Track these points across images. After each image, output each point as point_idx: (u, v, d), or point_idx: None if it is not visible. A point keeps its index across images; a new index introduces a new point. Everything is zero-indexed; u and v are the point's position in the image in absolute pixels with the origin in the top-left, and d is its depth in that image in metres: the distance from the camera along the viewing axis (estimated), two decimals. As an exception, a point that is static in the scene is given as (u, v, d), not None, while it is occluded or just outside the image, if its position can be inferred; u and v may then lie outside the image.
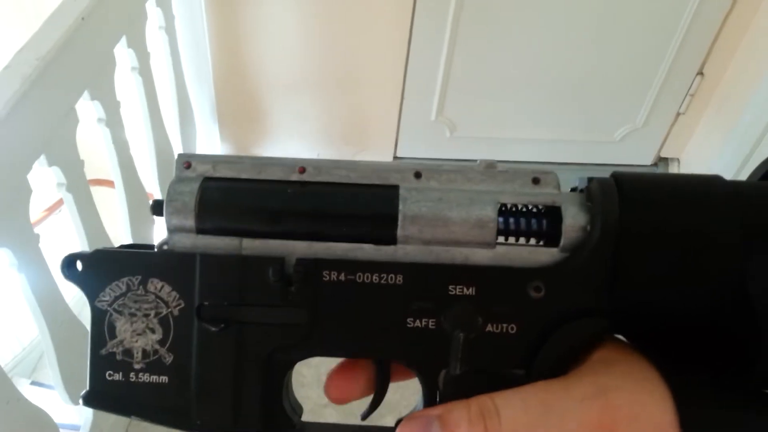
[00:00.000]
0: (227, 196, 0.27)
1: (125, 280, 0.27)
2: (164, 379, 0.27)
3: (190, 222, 0.27)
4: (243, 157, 0.28)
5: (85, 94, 1.13)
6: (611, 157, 1.96)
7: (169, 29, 1.56)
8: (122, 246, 0.29)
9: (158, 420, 0.28)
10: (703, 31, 1.78)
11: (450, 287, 0.26)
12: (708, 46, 1.81)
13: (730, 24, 1.76)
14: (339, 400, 0.31)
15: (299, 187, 0.27)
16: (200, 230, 0.27)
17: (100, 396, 0.27)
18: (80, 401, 0.27)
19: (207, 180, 0.27)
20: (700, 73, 1.87)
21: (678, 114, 1.97)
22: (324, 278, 0.27)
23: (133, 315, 0.27)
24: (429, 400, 0.28)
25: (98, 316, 0.27)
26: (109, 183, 1.40)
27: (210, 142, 1.96)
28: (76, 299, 2.12)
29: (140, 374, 0.27)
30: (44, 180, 1.06)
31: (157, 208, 0.28)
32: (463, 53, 1.79)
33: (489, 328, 0.26)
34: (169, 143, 1.60)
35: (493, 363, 0.27)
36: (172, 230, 0.27)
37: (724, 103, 1.88)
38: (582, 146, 1.96)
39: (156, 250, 0.28)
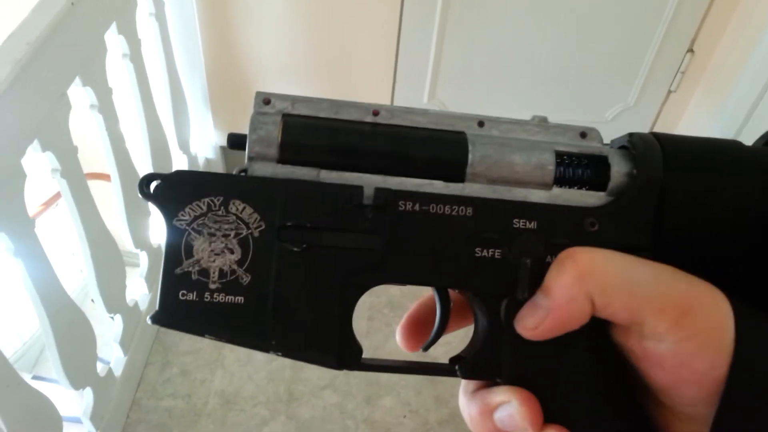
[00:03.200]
0: (308, 130, 0.28)
1: (206, 200, 0.27)
2: (240, 299, 0.28)
3: (272, 151, 0.28)
4: (320, 98, 0.29)
5: (77, 81, 1.13)
6: (603, 136, 1.96)
7: (160, 16, 1.56)
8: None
9: (232, 339, 0.28)
10: (693, 8, 1.78)
11: (515, 221, 0.29)
12: (698, 23, 1.82)
13: (720, 0, 1.76)
14: (413, 348, 0.33)
15: (375, 126, 0.29)
16: (281, 160, 0.28)
17: (172, 315, 0.27)
18: (149, 320, 0.28)
19: (287, 115, 0.29)
20: (691, 50, 1.88)
21: (669, 92, 1.98)
22: (399, 207, 0.28)
23: (212, 235, 0.27)
24: (491, 329, 0.29)
25: (175, 236, 0.27)
26: (105, 176, 1.40)
27: (203, 130, 1.96)
28: (77, 292, 2.13)
29: (215, 294, 0.27)
30: (40, 172, 1.06)
31: (233, 139, 0.29)
32: (453, 36, 1.79)
33: (549, 259, 0.28)
34: (162, 131, 1.60)
35: None
36: (253, 158, 0.28)
37: (715, 80, 1.88)
38: (574, 126, 1.96)
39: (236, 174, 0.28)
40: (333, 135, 0.28)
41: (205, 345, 1.62)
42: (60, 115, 1.06)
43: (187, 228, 0.27)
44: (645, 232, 0.28)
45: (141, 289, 1.57)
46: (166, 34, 1.62)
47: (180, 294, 0.27)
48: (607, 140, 0.32)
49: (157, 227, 1.67)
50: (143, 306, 1.55)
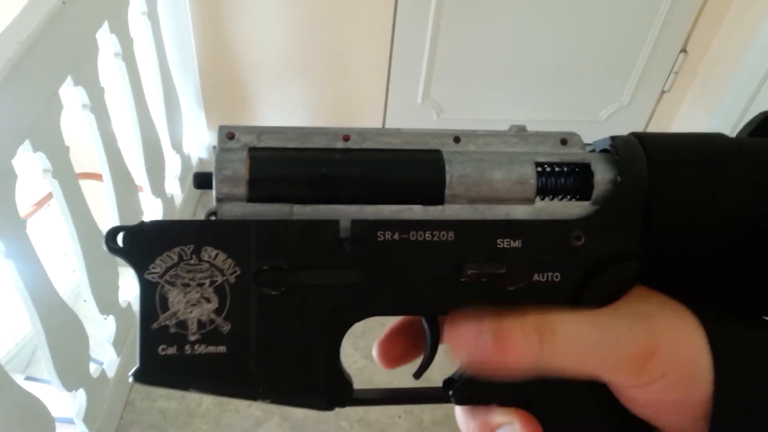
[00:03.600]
0: (276, 164, 0.27)
1: (177, 249, 0.26)
2: (222, 348, 0.27)
3: (241, 190, 0.27)
4: (286, 127, 0.28)
5: (69, 80, 1.12)
6: (597, 136, 1.93)
7: (152, 15, 1.55)
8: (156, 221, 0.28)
9: (218, 391, 0.27)
10: (686, 8, 1.79)
11: (498, 241, 0.28)
12: (691, 23, 1.82)
13: (713, 0, 1.77)
14: (390, 364, 0.33)
15: (346, 153, 0.28)
16: (251, 198, 0.27)
17: (153, 371, 0.27)
18: (130, 378, 0.27)
19: (254, 149, 0.27)
20: (684, 50, 1.89)
21: (663, 92, 1.99)
22: (378, 238, 0.27)
23: (186, 285, 0.26)
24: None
25: (148, 289, 0.26)
26: (98, 176, 1.39)
27: (196, 130, 1.95)
28: (69, 292, 2.11)
29: (196, 345, 0.27)
30: (32, 173, 1.06)
31: (199, 179, 0.28)
32: (447, 35, 1.79)
33: (536, 277, 0.28)
34: (155, 131, 1.59)
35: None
36: (221, 199, 0.27)
37: (708, 79, 1.89)
38: (568, 126, 1.95)
39: (204, 219, 0.28)
40: (303, 166, 0.27)
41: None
42: (51, 115, 1.05)
43: (159, 281, 0.26)
44: (633, 238, 0.28)
45: (134, 290, 1.57)
46: (159, 33, 1.61)
47: (160, 349, 0.26)
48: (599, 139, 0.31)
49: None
50: (136, 307, 1.53)
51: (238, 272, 0.27)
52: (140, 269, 0.26)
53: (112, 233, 0.26)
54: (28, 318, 1.06)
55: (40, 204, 2.10)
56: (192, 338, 0.27)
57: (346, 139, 0.28)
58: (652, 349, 0.25)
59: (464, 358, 0.27)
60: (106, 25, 1.27)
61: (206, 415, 1.48)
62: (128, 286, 1.55)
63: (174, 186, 1.81)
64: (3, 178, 0.92)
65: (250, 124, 0.28)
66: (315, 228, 0.27)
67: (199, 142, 1.99)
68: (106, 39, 1.30)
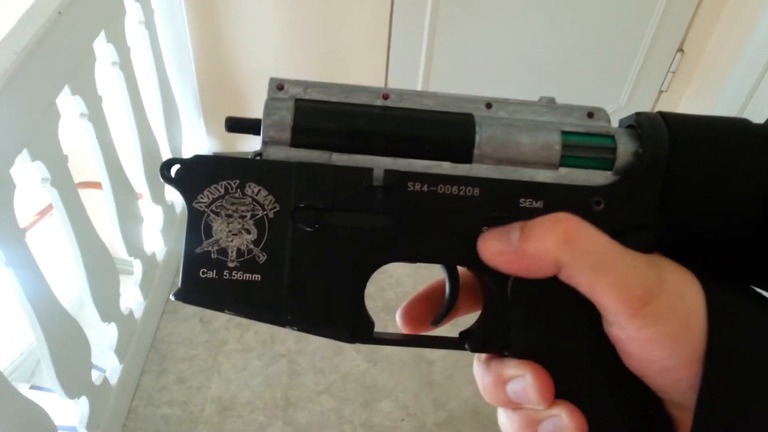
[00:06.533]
0: (320, 114, 0.29)
1: (224, 183, 0.29)
2: (257, 277, 0.29)
3: (286, 135, 0.29)
4: (331, 83, 0.30)
5: (66, 89, 1.13)
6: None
7: (149, 24, 1.56)
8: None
9: (250, 314, 0.30)
10: (682, 8, 1.79)
11: (521, 200, 0.29)
12: (687, 23, 1.83)
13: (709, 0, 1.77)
14: (413, 329, 0.34)
15: (384, 110, 0.30)
16: (294, 144, 0.29)
17: (193, 291, 0.29)
18: (172, 297, 0.29)
19: (300, 100, 0.29)
20: (681, 50, 1.89)
21: (660, 92, 1.99)
22: (408, 188, 0.29)
23: (229, 216, 0.29)
24: (499, 304, 0.30)
25: (195, 217, 0.29)
26: (98, 185, 1.40)
27: (195, 136, 1.96)
28: (73, 301, 2.12)
29: (234, 272, 0.29)
30: (33, 182, 1.06)
31: (232, 123, 0.30)
32: (443, 38, 1.79)
33: None
34: (153, 138, 1.60)
35: None
36: (267, 142, 0.29)
37: (705, 79, 1.89)
38: (567, 127, 1.97)
39: (251, 158, 0.30)
40: (343, 119, 0.29)
41: (201, 352, 1.61)
42: (49, 124, 1.06)
43: (206, 210, 0.29)
44: (650, 210, 0.29)
45: (135, 297, 1.57)
46: (156, 42, 1.62)
47: (201, 272, 0.29)
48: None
49: (151, 235, 1.67)
50: (138, 314, 1.54)
51: (277, 208, 0.29)
52: (190, 198, 0.29)
53: (168, 164, 0.29)
54: (29, 327, 1.06)
55: (42, 213, 2.11)
56: (231, 264, 0.29)
57: (386, 97, 0.30)
58: (652, 296, 0.26)
59: (494, 250, 0.28)
60: (102, 35, 1.28)
61: (209, 421, 1.48)
62: (129, 293, 1.56)
63: (174, 193, 1.81)
64: (1, 188, 0.93)
65: (299, 78, 0.30)
66: (350, 173, 0.29)
67: (199, 149, 2.00)
68: (103, 48, 1.31)
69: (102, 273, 1.30)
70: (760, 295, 0.28)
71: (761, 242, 0.28)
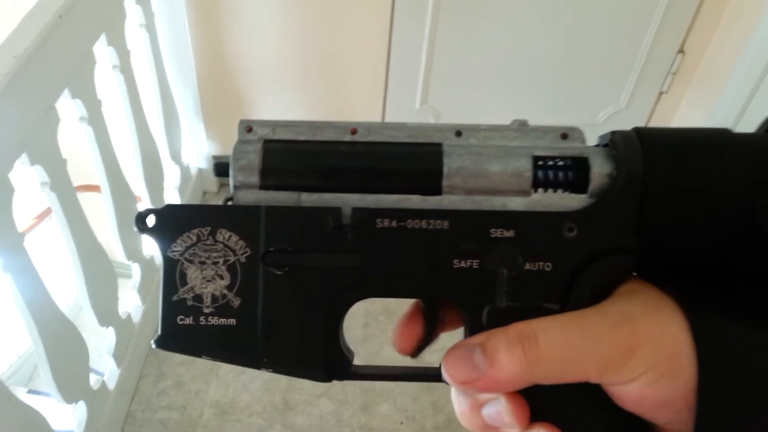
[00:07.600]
0: (287, 156, 0.30)
1: (196, 231, 0.29)
2: (232, 321, 0.29)
3: (254, 179, 0.29)
4: (299, 121, 0.30)
5: (66, 93, 1.13)
6: (596, 139, 1.97)
7: (150, 27, 1.56)
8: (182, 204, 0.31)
9: (227, 359, 0.30)
10: (683, 9, 1.79)
11: (491, 230, 0.29)
12: (688, 24, 1.82)
13: (709, 0, 1.77)
14: (405, 351, 0.34)
15: (351, 146, 0.30)
16: (263, 186, 0.30)
17: (172, 339, 0.30)
18: (153, 345, 0.30)
19: (268, 141, 0.30)
20: (681, 51, 1.88)
21: (661, 93, 1.98)
22: (377, 225, 0.29)
23: (203, 263, 0.29)
24: (473, 335, 0.30)
25: (170, 266, 0.30)
26: (97, 188, 1.39)
27: (195, 140, 1.96)
28: (71, 305, 2.11)
29: (210, 317, 0.29)
30: (31, 185, 1.06)
31: (219, 168, 0.31)
32: (444, 40, 1.79)
33: (528, 266, 0.29)
34: (153, 142, 1.59)
35: (532, 298, 0.29)
36: (237, 186, 0.30)
37: (706, 80, 1.89)
38: (567, 129, 1.96)
39: (222, 204, 0.30)
40: (311, 158, 0.30)
41: (200, 355, 1.61)
42: (48, 128, 1.06)
43: (179, 258, 0.29)
44: (627, 233, 0.28)
45: (134, 301, 1.57)
46: (157, 45, 1.62)
47: (178, 319, 0.30)
48: (597, 142, 0.32)
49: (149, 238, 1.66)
50: (136, 318, 1.54)
51: (249, 252, 0.29)
52: (164, 247, 0.29)
53: (142, 216, 0.30)
54: (27, 331, 1.06)
55: (41, 217, 2.11)
56: (206, 310, 0.30)
57: (353, 132, 0.30)
58: (633, 347, 0.25)
59: (463, 379, 0.28)
60: (103, 38, 1.28)
61: (208, 425, 1.48)
62: (127, 297, 1.55)
63: (173, 196, 1.81)
64: (0, 192, 0.92)
65: (267, 118, 0.31)
66: (318, 214, 0.29)
67: (199, 153, 1.99)
68: (103, 52, 1.31)
69: (100, 277, 1.30)
70: (744, 304, 0.28)
71: (744, 253, 0.27)
